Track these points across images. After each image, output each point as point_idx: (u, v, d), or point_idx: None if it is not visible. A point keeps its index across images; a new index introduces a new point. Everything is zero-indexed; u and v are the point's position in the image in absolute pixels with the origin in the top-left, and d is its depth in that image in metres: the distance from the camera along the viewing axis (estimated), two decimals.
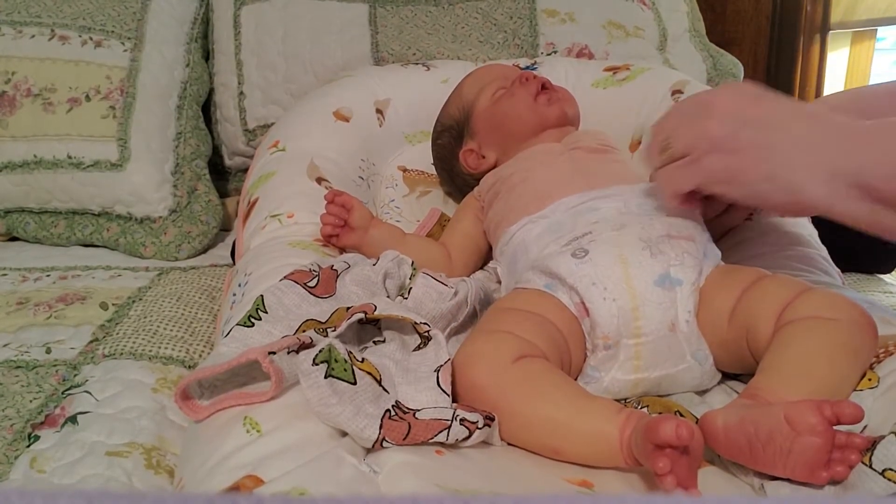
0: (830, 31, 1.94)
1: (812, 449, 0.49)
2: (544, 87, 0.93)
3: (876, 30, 1.94)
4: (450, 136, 0.98)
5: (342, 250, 0.83)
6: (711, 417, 0.54)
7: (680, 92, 1.04)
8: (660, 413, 0.62)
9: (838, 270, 0.82)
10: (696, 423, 0.60)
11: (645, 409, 0.63)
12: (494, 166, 0.93)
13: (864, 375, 0.59)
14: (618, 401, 0.65)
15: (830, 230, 0.89)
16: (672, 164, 0.64)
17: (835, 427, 0.49)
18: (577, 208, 0.75)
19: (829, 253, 0.83)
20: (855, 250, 1.16)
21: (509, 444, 0.59)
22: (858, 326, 0.59)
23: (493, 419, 0.56)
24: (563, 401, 0.57)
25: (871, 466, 0.48)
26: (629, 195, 0.75)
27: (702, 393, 0.68)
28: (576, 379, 0.67)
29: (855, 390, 0.58)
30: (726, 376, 0.69)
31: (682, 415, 0.62)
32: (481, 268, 0.90)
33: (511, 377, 0.58)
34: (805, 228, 0.85)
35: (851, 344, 0.58)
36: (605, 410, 0.56)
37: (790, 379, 0.56)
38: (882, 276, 1.19)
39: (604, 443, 0.54)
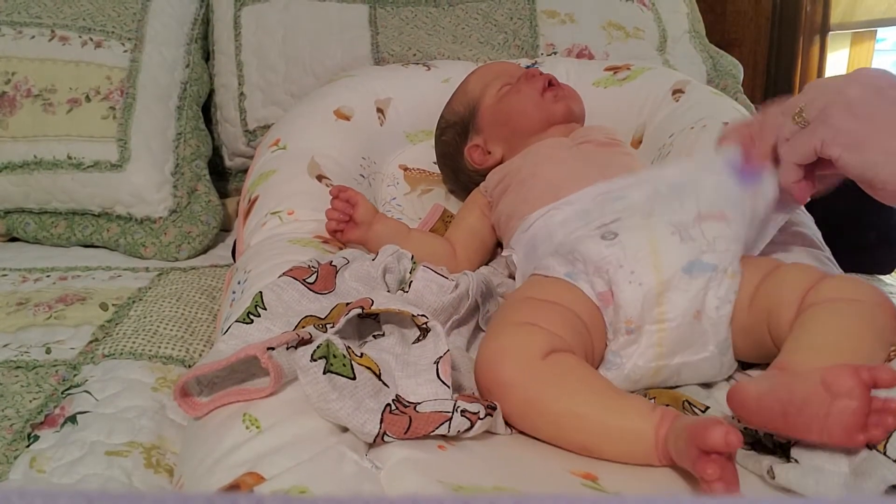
0: (830, 32, 1.94)
1: (849, 412, 0.48)
2: (550, 83, 0.93)
3: (876, 31, 1.94)
4: (454, 133, 0.98)
5: (344, 246, 0.83)
6: (742, 387, 0.53)
7: (681, 92, 1.04)
8: (667, 405, 0.61)
9: (842, 272, 0.81)
10: (705, 411, 0.60)
11: (652, 401, 0.63)
12: (500, 162, 0.93)
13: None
14: None
15: (832, 230, 0.89)
16: (799, 132, 0.63)
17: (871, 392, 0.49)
18: (604, 196, 0.75)
19: (832, 253, 0.83)
20: (856, 250, 1.16)
21: (515, 429, 0.58)
22: (881, 308, 0.59)
23: (494, 408, 0.56)
24: (595, 398, 0.57)
25: (885, 454, 0.48)
26: (657, 181, 0.74)
27: (707, 386, 0.68)
28: (597, 367, 0.66)
29: None
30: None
31: (690, 404, 0.61)
32: (486, 263, 0.90)
33: (541, 374, 0.57)
34: (809, 229, 0.85)
35: (875, 324, 0.58)
36: (638, 408, 0.56)
37: (817, 353, 0.55)
38: (882, 276, 1.19)
39: (639, 441, 0.54)
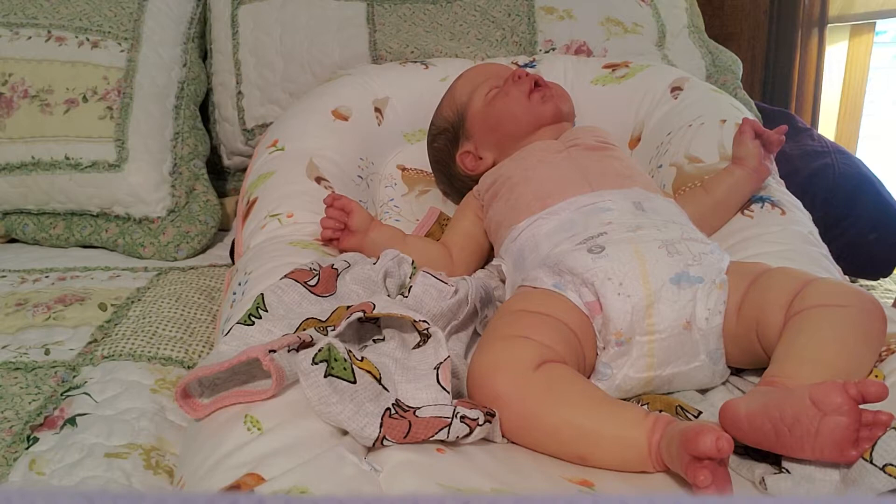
0: (829, 25, 1.94)
1: (840, 428, 0.48)
2: (537, 84, 0.92)
3: (875, 23, 1.94)
4: (445, 139, 0.98)
5: (342, 251, 0.83)
6: (733, 406, 0.54)
7: (679, 89, 1.04)
8: (661, 410, 0.61)
9: (839, 268, 0.81)
10: (698, 416, 0.60)
11: (645, 406, 0.63)
12: (492, 166, 0.92)
13: (871, 370, 0.59)
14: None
15: (829, 230, 0.89)
16: None
17: (860, 406, 0.49)
18: (587, 208, 0.75)
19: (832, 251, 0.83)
20: (854, 249, 1.16)
21: (512, 442, 0.58)
22: (868, 312, 0.59)
23: (493, 415, 0.56)
24: (589, 408, 0.57)
25: (871, 462, 0.48)
26: (642, 198, 0.75)
27: (703, 390, 0.68)
28: (588, 377, 0.66)
29: None
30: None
31: (683, 409, 0.61)
32: (483, 266, 0.90)
33: (535, 385, 0.57)
34: (805, 226, 0.84)
35: (863, 329, 0.58)
36: (631, 416, 0.56)
37: (807, 364, 0.56)
38: (881, 278, 1.19)
39: (632, 449, 0.54)
